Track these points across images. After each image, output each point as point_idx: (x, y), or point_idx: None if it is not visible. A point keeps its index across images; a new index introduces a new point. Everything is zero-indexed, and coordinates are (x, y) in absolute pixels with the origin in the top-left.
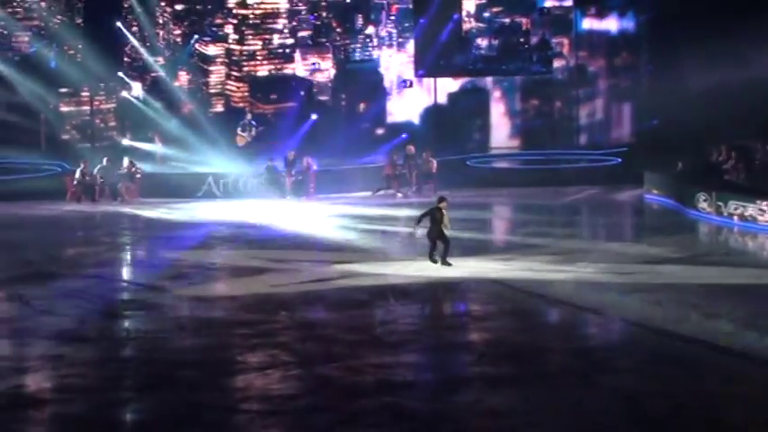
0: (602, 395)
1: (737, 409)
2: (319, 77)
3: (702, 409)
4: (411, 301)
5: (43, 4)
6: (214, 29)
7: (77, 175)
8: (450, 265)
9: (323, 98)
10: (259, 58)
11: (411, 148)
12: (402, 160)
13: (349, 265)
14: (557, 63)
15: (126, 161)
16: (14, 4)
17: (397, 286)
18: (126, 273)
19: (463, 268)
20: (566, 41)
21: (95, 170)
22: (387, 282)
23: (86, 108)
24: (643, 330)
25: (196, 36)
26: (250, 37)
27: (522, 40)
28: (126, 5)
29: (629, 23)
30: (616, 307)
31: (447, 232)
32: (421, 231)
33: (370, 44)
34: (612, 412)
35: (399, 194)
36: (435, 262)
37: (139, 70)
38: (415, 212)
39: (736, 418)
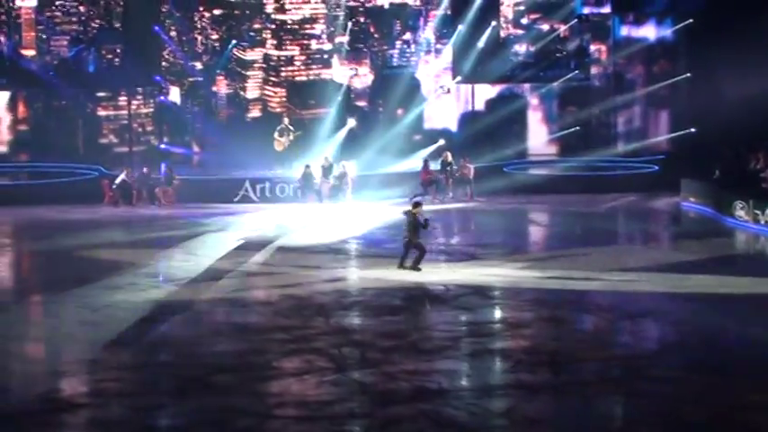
0: (640, 403)
1: None
2: (357, 83)
3: (741, 420)
4: (446, 307)
5: (82, 8)
6: (252, 34)
7: (119, 180)
8: (419, 270)
9: (360, 104)
10: (297, 63)
11: (448, 155)
12: (439, 166)
13: (383, 271)
14: (594, 70)
15: (164, 167)
16: (53, 8)
17: (431, 292)
18: (163, 276)
19: (498, 276)
20: (603, 48)
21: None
22: (421, 287)
23: (124, 112)
24: (681, 337)
25: (234, 41)
26: (288, 42)
27: (559, 46)
28: (164, 10)
29: (666, 30)
30: (652, 314)
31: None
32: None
33: (407, 50)
34: (649, 421)
35: (436, 201)
36: (404, 268)
37: (177, 75)
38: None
39: None
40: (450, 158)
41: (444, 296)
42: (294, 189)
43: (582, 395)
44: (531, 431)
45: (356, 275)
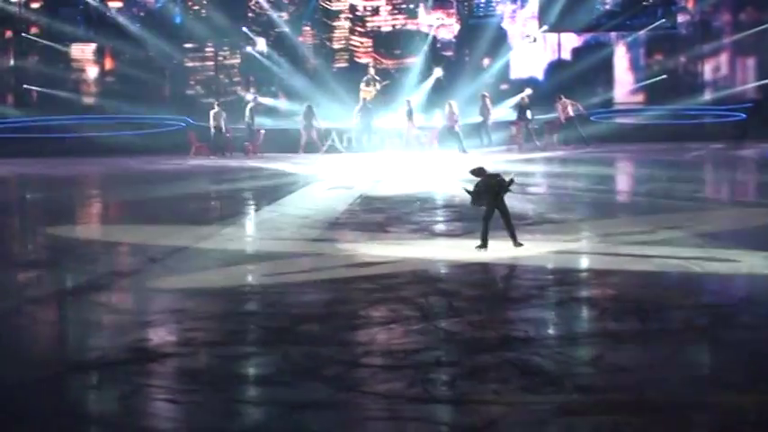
0: (725, 350)
1: None
2: (443, 33)
3: None
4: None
5: None
6: None
7: (214, 128)
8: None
9: (447, 53)
10: (383, 13)
11: (524, 98)
12: (518, 113)
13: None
14: (681, 18)
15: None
16: None
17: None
18: (252, 227)
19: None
20: None
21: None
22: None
23: (210, 63)
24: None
25: None
26: None
27: None
28: None
29: None
30: (738, 265)
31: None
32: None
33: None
34: (735, 368)
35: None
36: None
37: (263, 26)
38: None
39: None
40: (527, 101)
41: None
42: (381, 138)
43: (669, 343)
44: (617, 379)
45: (442, 227)
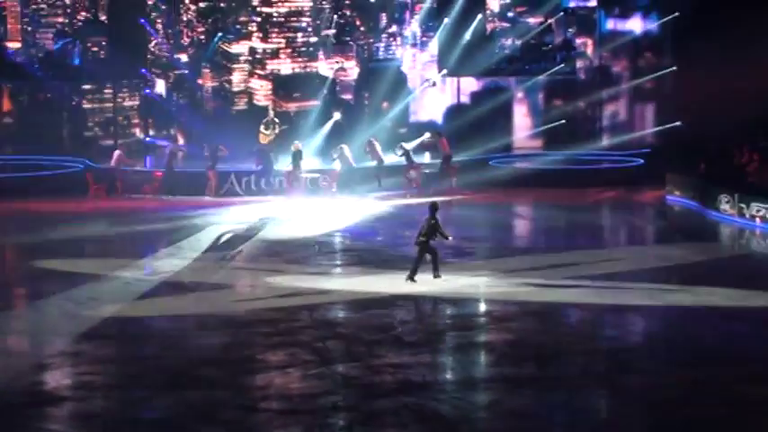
0: (623, 398)
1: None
2: (343, 76)
3: (721, 418)
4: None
5: (67, 0)
6: (238, 27)
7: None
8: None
9: (346, 96)
10: (282, 56)
11: (402, 145)
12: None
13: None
14: (580, 63)
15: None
16: (39, 0)
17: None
18: (148, 269)
19: (478, 272)
20: (589, 42)
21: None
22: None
23: (109, 105)
24: (664, 332)
25: (220, 34)
26: (274, 35)
27: (545, 40)
28: (150, 2)
29: (652, 24)
30: (638, 309)
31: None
32: None
33: (393, 43)
34: (632, 416)
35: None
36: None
37: (163, 67)
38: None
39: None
40: (406, 147)
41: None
42: (280, 182)
43: (566, 389)
44: (514, 425)
45: (341, 270)
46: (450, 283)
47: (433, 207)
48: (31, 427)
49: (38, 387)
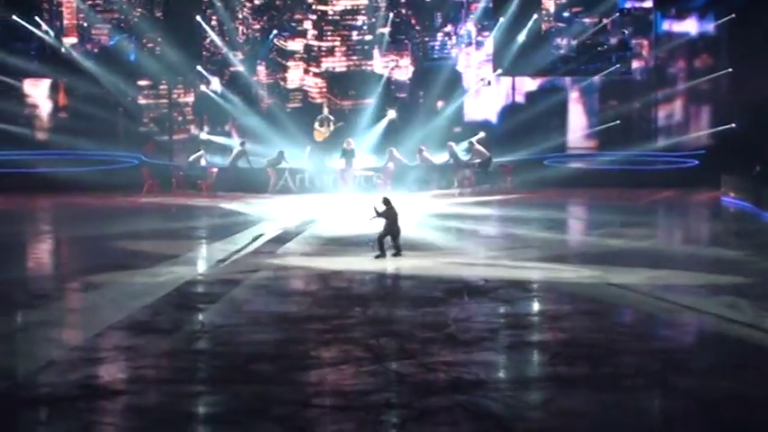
0: (677, 398)
1: None
2: (398, 74)
3: None
4: (486, 299)
5: None
6: (293, 24)
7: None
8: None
9: (401, 95)
10: (338, 54)
11: (451, 145)
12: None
13: (420, 260)
14: (636, 64)
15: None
16: None
17: (472, 283)
18: (200, 265)
19: (537, 269)
20: (645, 42)
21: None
22: (461, 278)
23: (164, 101)
24: (720, 332)
25: (275, 31)
26: (329, 33)
27: (601, 40)
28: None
29: (708, 25)
30: (692, 309)
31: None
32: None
33: (448, 42)
34: (686, 416)
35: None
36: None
37: (218, 64)
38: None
39: None
40: (454, 148)
41: (483, 288)
42: (333, 180)
43: (620, 389)
44: (566, 424)
45: (393, 264)
46: (503, 274)
47: (385, 201)
48: (83, 420)
49: (91, 380)
